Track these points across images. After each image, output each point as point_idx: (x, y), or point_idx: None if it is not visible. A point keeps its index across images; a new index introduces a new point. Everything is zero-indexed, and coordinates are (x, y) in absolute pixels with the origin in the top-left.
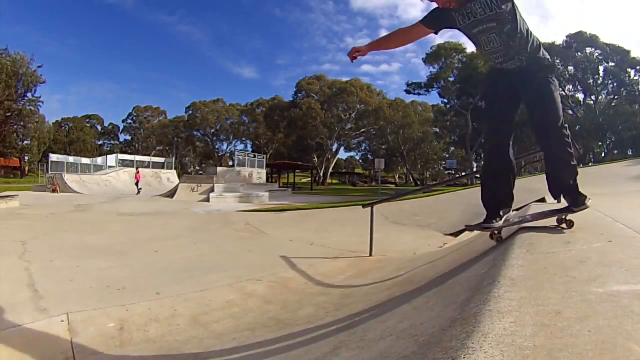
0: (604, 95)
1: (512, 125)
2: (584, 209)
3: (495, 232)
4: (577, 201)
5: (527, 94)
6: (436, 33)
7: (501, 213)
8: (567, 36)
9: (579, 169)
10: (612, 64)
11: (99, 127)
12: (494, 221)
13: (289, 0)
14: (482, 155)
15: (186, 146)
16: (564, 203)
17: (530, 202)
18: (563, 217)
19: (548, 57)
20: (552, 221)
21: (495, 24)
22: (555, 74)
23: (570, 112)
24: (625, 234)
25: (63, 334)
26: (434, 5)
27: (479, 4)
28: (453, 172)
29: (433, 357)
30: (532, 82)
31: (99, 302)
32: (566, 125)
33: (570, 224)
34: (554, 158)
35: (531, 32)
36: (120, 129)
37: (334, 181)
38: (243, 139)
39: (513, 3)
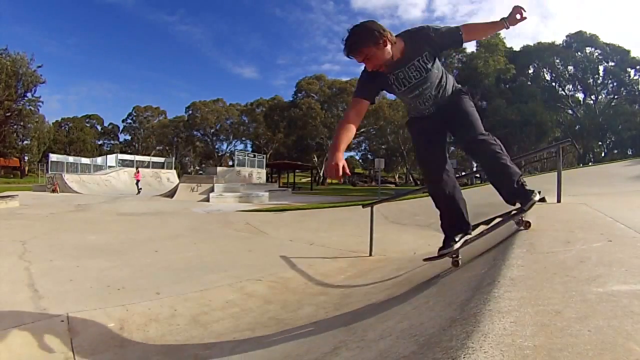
0: (604, 95)
1: (446, 159)
2: (533, 204)
3: (453, 255)
4: (526, 199)
5: (446, 118)
6: (373, 103)
7: (456, 238)
8: (567, 36)
9: (578, 169)
10: (612, 64)
11: (99, 127)
12: (449, 245)
13: (289, 0)
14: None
15: (186, 146)
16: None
17: None
18: (520, 219)
19: (459, 85)
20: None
21: (429, 84)
22: (468, 94)
23: (570, 112)
24: (625, 234)
25: (63, 334)
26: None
27: (414, 67)
28: None
29: (433, 357)
30: (448, 106)
31: (99, 302)
32: (487, 132)
33: (527, 225)
34: (490, 167)
35: (446, 72)
36: (120, 129)
37: (334, 181)
38: (243, 139)
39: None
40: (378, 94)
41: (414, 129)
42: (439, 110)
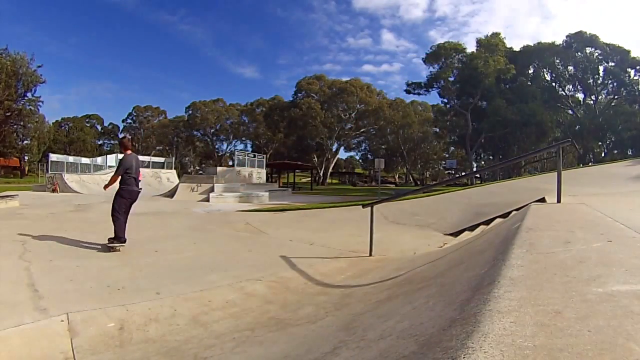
0: (604, 95)
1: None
2: (110, 248)
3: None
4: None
5: None
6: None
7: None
8: (567, 36)
9: (578, 169)
10: (612, 64)
11: (99, 127)
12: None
13: (290, 0)
14: (481, 156)
15: (186, 146)
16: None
17: (530, 202)
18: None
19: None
20: None
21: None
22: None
23: (570, 112)
24: (625, 234)
25: (63, 334)
26: None
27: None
28: (453, 172)
29: (433, 357)
30: None
31: (99, 302)
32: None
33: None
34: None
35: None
36: (120, 129)
37: (334, 181)
38: (243, 139)
39: None
40: None
41: None
42: None
